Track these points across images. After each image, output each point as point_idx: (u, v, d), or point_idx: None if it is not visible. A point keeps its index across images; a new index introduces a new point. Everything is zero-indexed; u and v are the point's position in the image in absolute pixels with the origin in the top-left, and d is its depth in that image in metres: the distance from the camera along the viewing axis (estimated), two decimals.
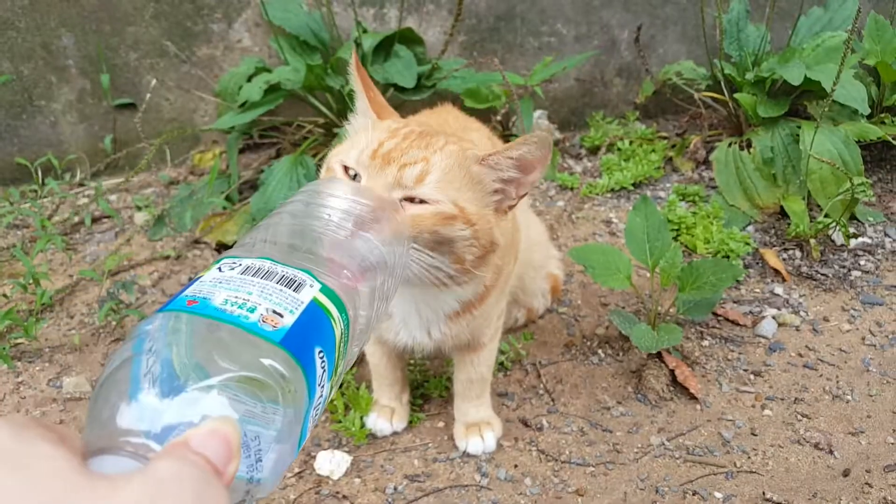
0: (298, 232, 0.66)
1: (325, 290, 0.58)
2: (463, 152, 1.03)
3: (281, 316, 0.53)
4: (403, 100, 2.56)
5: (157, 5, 2.59)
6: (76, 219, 2.47)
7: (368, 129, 1.05)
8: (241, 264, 0.58)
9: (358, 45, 2.54)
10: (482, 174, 1.04)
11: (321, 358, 0.55)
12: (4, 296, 2.07)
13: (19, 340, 1.94)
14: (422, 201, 0.98)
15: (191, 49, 2.68)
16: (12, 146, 2.69)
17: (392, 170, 0.97)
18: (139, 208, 2.56)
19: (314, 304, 0.56)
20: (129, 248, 2.33)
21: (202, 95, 2.73)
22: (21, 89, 2.62)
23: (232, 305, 0.53)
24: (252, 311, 0.52)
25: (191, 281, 0.57)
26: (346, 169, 1.02)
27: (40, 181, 2.66)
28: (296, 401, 0.52)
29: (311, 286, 0.57)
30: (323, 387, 0.56)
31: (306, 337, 0.54)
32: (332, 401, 1.70)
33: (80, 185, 2.72)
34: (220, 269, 0.58)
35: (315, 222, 0.68)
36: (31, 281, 2.03)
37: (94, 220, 2.50)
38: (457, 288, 1.14)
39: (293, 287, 0.56)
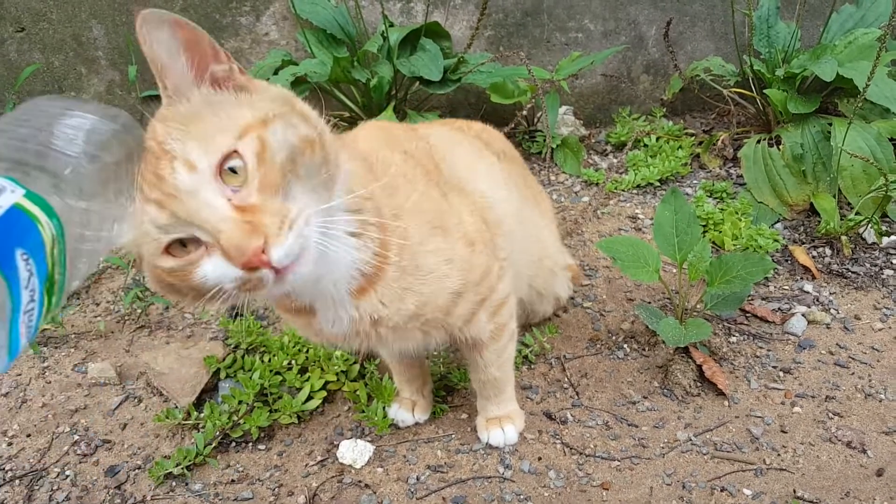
0: (16, 140, 0.63)
1: (31, 195, 0.57)
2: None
3: None
4: (429, 93, 2.56)
5: None
6: None
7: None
8: None
9: (384, 38, 2.54)
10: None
11: (25, 260, 0.54)
12: None
13: (46, 326, 1.96)
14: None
15: (219, 41, 2.67)
16: None
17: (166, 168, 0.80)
18: None
19: (15, 208, 0.55)
20: None
21: None
22: (52, 80, 2.66)
23: None
24: None
25: None
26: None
27: None
28: None
29: (13, 192, 0.56)
30: (33, 291, 0.55)
31: (5, 239, 0.53)
32: (354, 391, 1.70)
33: None
34: None
35: (40, 133, 0.65)
36: None
37: None
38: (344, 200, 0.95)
39: None
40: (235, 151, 0.81)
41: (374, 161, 1.18)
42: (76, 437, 1.69)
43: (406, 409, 1.65)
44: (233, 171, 0.81)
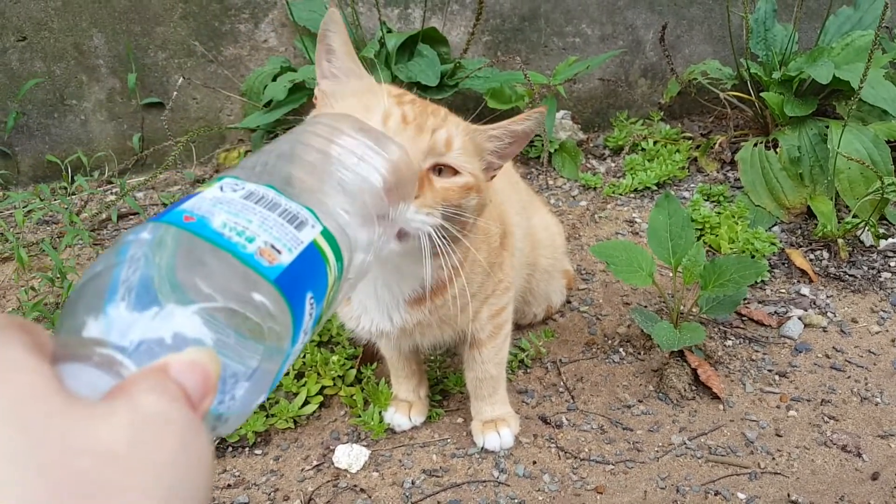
0: (311, 165, 0.61)
1: (326, 233, 0.54)
2: (466, 124, 1.06)
3: (279, 252, 0.49)
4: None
5: (186, 6, 2.63)
6: (104, 215, 2.51)
7: (375, 91, 1.03)
8: (244, 188, 0.53)
9: (382, 44, 2.56)
10: (484, 145, 1.08)
11: (311, 304, 0.51)
12: (33, 289, 2.11)
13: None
14: (448, 172, 1.01)
15: (218, 49, 2.72)
16: (44, 144, 2.75)
17: (425, 137, 0.97)
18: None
19: (313, 246, 0.52)
20: None
21: (228, 94, 2.76)
22: (53, 88, 2.68)
23: (230, 230, 0.48)
24: (251, 240, 0.48)
25: (189, 195, 0.52)
26: None
27: (70, 178, 2.72)
28: (279, 343, 0.48)
29: (314, 227, 0.53)
30: (307, 333, 0.52)
31: (301, 280, 0.50)
32: (351, 396, 1.71)
33: (109, 182, 2.77)
34: (221, 188, 0.53)
35: (332, 160, 0.62)
36: (58, 275, 2.07)
37: (121, 217, 2.54)
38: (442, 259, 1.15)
39: (295, 224, 0.52)
40: (459, 172, 1.03)
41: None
42: None
43: (402, 413, 1.66)
44: (440, 171, 1.01)
